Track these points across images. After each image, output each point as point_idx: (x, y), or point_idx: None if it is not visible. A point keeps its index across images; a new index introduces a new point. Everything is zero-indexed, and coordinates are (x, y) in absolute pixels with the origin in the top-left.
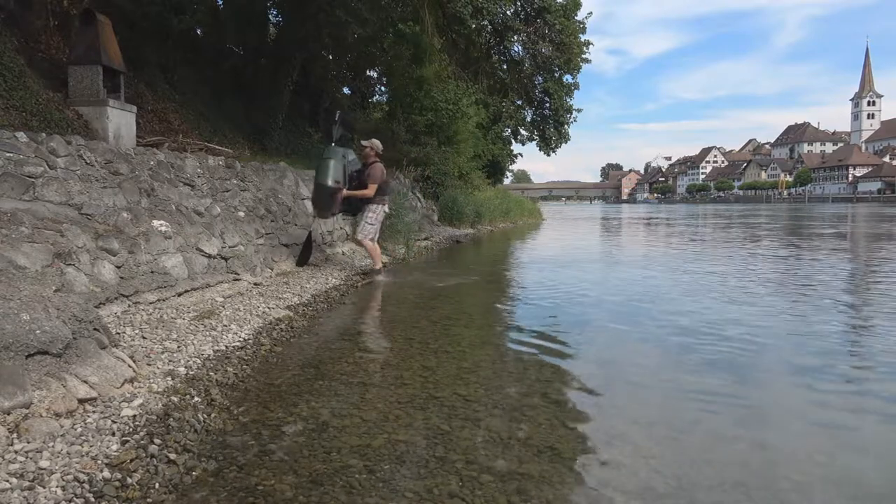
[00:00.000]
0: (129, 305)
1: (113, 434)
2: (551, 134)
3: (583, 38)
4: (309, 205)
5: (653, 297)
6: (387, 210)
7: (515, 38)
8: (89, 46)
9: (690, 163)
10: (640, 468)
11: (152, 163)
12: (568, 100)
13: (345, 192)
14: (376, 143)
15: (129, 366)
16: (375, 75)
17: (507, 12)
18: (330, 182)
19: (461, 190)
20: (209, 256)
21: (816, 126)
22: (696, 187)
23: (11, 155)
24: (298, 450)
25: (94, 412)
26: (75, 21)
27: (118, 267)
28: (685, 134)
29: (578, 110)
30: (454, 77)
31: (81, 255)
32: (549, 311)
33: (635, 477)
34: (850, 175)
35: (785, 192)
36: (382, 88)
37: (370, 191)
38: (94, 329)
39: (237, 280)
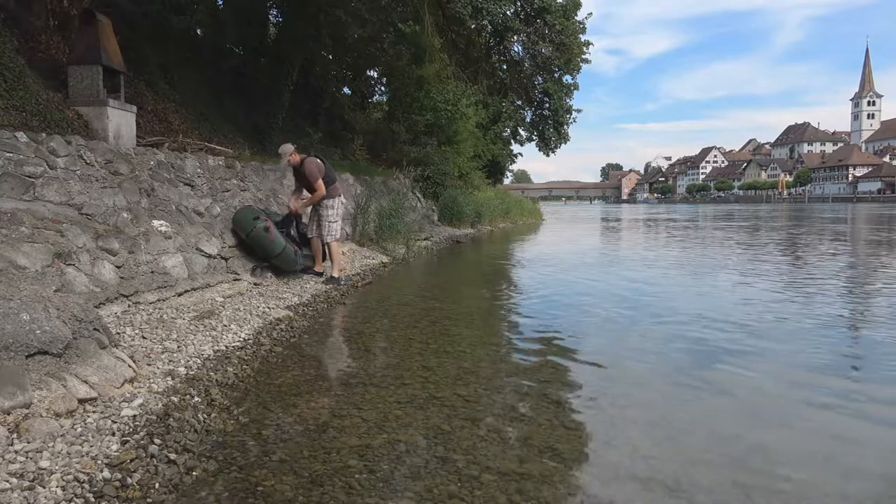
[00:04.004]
0: (129, 305)
1: (113, 434)
2: (550, 134)
3: (583, 38)
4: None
5: (653, 299)
6: (343, 201)
7: (515, 38)
8: (89, 46)
9: (690, 163)
10: (640, 468)
11: (152, 163)
12: (567, 100)
13: (296, 204)
14: (283, 147)
15: (129, 366)
16: (375, 75)
17: (507, 12)
18: (254, 222)
19: (461, 190)
20: (209, 256)
21: (816, 126)
22: (696, 187)
23: (11, 155)
24: (298, 450)
25: (94, 412)
26: (75, 21)
27: (118, 267)
28: (685, 134)
29: (578, 111)
30: (454, 77)
31: (81, 255)
32: (549, 312)
33: (635, 477)
34: (850, 175)
35: (785, 193)
36: (382, 88)
37: (319, 189)
38: (94, 329)
39: (237, 280)
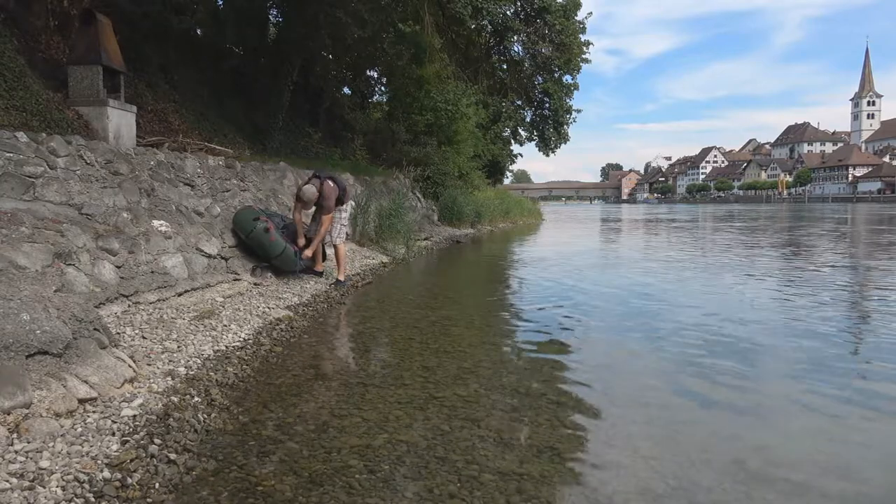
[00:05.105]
0: (129, 305)
1: (113, 434)
2: (550, 134)
3: (582, 38)
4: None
5: (653, 299)
6: (353, 203)
7: (515, 38)
8: (89, 46)
9: (690, 163)
10: (640, 468)
11: (152, 163)
12: (567, 100)
13: (307, 249)
14: (306, 194)
15: (130, 366)
16: (375, 75)
17: (507, 12)
18: (254, 223)
19: (461, 190)
20: (209, 256)
21: (816, 126)
22: (696, 187)
23: (11, 155)
24: (298, 450)
25: (94, 412)
26: (75, 21)
27: (118, 267)
28: (685, 134)
29: (578, 111)
30: (454, 77)
31: (81, 255)
32: (550, 312)
33: (635, 477)
34: (849, 175)
35: (785, 193)
36: (382, 88)
37: (326, 224)
38: (95, 329)
39: (237, 280)
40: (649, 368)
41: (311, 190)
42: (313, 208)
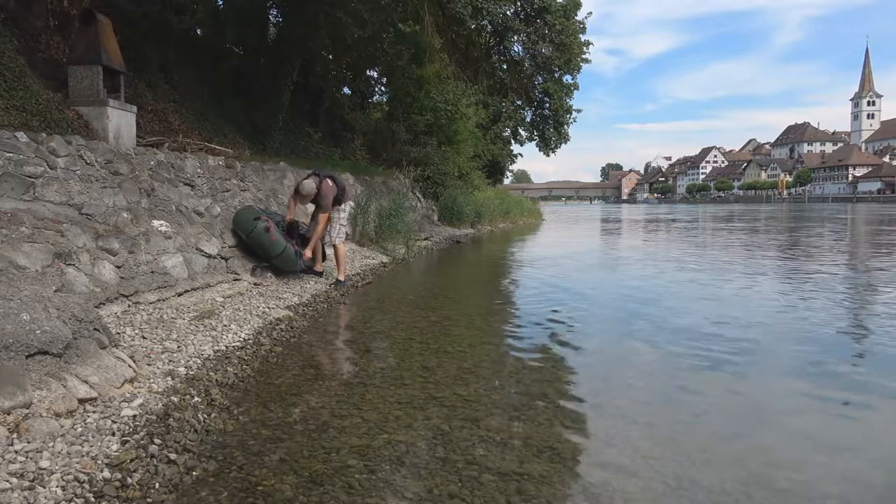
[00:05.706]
0: (130, 305)
1: (113, 434)
2: (551, 134)
3: (582, 38)
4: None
5: (653, 299)
6: (352, 203)
7: (515, 38)
8: (89, 46)
9: (690, 163)
10: (640, 468)
11: (152, 163)
12: (567, 100)
13: (299, 225)
14: (306, 189)
15: (130, 366)
16: (375, 75)
17: (507, 12)
18: (255, 222)
19: (461, 190)
20: (209, 256)
21: (816, 126)
22: (696, 187)
23: (11, 155)
24: (298, 450)
25: (94, 412)
26: (75, 21)
27: (118, 267)
28: (685, 134)
29: (578, 111)
30: (454, 77)
31: (81, 255)
32: (549, 312)
33: (635, 477)
34: (849, 175)
35: (785, 193)
36: (382, 88)
37: (322, 222)
38: (95, 329)
39: (237, 280)
40: (649, 368)
41: (310, 185)
42: (313, 207)
